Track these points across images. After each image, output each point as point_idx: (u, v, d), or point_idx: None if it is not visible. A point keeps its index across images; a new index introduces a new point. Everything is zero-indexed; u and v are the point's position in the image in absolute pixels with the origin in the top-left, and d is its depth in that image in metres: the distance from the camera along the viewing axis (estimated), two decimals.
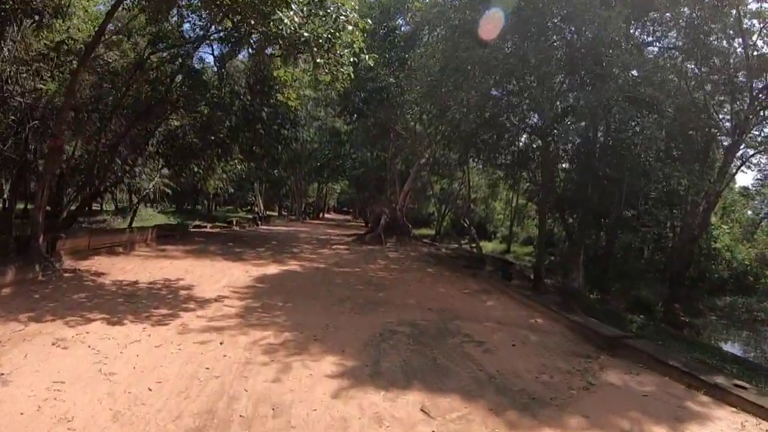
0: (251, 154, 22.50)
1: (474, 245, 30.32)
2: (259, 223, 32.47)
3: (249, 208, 66.71)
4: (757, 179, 28.11)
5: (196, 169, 24.84)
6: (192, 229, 23.99)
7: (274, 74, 16.76)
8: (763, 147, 20.17)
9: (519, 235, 42.10)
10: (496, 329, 8.49)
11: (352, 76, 9.86)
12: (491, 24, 12.30)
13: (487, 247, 33.06)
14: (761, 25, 17.14)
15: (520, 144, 20.00)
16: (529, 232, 43.38)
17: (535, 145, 18.04)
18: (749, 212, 32.01)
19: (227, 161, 24.29)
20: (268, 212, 60.15)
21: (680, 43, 17.58)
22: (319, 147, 38.62)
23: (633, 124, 13.61)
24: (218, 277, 11.53)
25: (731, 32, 17.07)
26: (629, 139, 13.96)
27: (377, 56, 25.41)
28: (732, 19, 16.38)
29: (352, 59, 9.80)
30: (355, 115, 24.86)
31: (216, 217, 49.99)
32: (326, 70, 9.32)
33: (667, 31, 18.08)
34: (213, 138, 20.85)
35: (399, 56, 25.50)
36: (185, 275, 11.46)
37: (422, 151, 27.03)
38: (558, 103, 12.89)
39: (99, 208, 44.90)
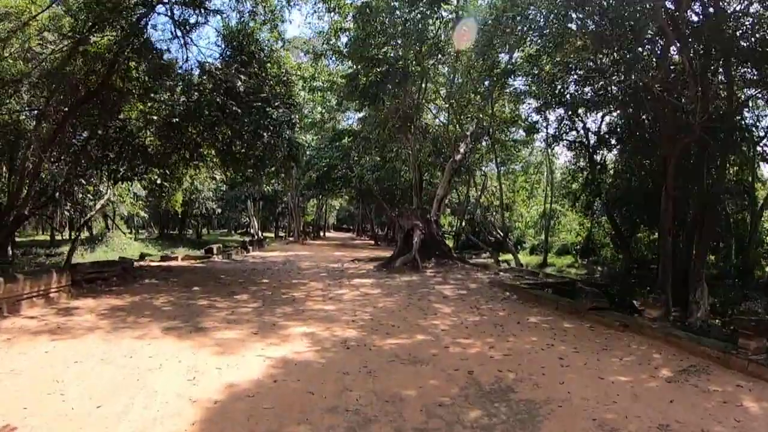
0: (229, 156, 15.41)
1: (501, 259, 23.24)
2: (250, 248, 25.09)
3: (244, 230, 59.62)
4: None
5: (159, 181, 17.76)
6: (150, 263, 16.69)
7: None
8: None
9: (554, 245, 35.19)
10: None
11: None
12: None
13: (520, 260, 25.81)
14: None
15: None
16: (560, 239, 36.84)
17: None
18: None
19: (197, 167, 17.16)
20: (264, 234, 53.19)
21: None
22: (317, 154, 31.67)
23: None
24: (105, 424, 4.27)
25: None
26: None
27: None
28: None
29: None
30: (366, 101, 17.84)
31: (206, 243, 42.76)
32: None
33: None
34: (175, 132, 13.99)
35: (417, 27, 18.50)
36: (33, 411, 4.28)
37: (455, 147, 20.03)
38: None
39: (66, 237, 37.50)
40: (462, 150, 19.29)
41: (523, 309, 9.96)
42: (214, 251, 19.48)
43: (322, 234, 60.23)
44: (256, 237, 44.86)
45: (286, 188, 39.81)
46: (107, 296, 9.94)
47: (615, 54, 12.17)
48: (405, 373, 5.63)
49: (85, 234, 38.67)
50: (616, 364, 6.33)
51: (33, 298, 8.92)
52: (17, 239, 27.07)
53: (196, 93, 12.47)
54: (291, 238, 40.32)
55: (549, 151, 29.53)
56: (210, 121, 13.71)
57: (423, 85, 19.26)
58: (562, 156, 40.07)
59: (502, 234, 28.39)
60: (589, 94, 16.21)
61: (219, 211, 38.83)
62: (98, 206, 17.79)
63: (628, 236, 25.15)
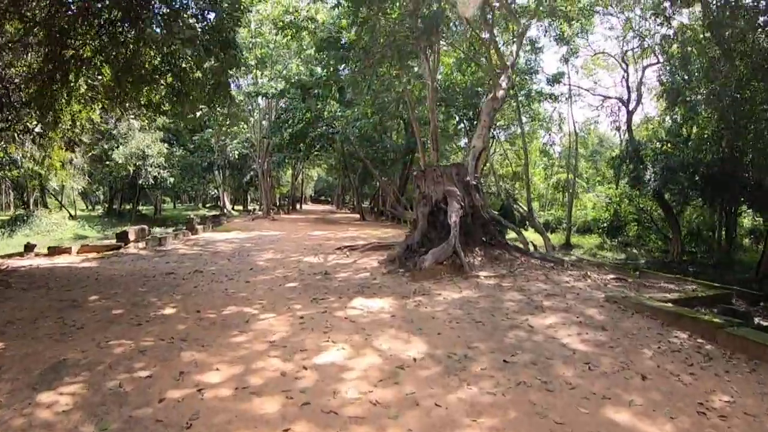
0: (131, 76, 8.45)
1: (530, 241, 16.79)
2: (200, 228, 18.06)
3: (214, 203, 52.48)
4: None
5: (37, 128, 10.72)
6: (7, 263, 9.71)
7: None
8: None
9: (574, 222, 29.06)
10: None
11: None
12: None
13: (535, 239, 18.48)
14: None
15: None
16: (579, 215, 30.97)
17: None
18: None
19: (88, 99, 10.09)
20: (236, 207, 46.37)
21: None
22: (291, 105, 24.56)
23: None
24: None
25: None
26: None
27: None
28: None
29: None
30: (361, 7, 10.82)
31: (163, 220, 35.46)
32: None
33: None
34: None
35: None
36: None
37: (495, 81, 13.35)
38: None
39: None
40: (504, 85, 12.53)
41: None
42: (131, 237, 12.40)
43: (298, 207, 53.30)
44: (224, 211, 37.98)
45: (243, 143, 32.48)
46: None
47: None
48: None
49: (10, 213, 31.09)
50: None
51: None
52: None
53: None
54: (260, 212, 33.26)
55: (571, 107, 23.57)
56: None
57: None
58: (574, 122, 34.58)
59: (525, 208, 22.23)
60: None
61: (172, 180, 31.39)
62: None
63: (678, 214, 20.59)
